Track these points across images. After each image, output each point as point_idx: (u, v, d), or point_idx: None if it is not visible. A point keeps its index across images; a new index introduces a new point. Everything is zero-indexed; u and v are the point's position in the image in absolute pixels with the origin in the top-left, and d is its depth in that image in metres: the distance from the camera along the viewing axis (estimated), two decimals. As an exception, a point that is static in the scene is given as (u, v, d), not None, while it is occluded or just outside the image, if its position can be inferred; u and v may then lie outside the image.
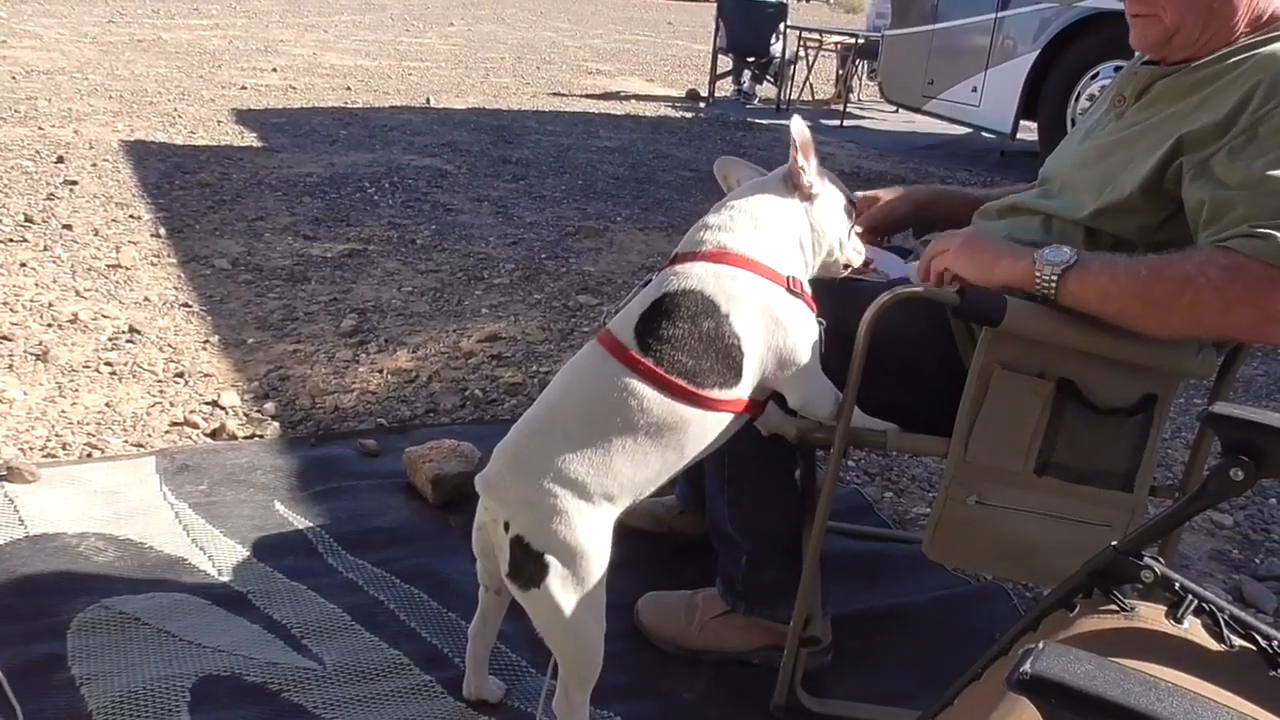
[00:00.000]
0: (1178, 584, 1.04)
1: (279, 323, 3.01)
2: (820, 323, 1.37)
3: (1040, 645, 0.62)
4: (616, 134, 6.82)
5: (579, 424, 1.28)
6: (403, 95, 7.68)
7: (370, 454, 2.25)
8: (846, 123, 8.28)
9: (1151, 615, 1.03)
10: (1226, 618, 1.02)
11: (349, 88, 7.80)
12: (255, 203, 4.31)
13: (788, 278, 1.34)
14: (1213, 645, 0.99)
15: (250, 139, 5.62)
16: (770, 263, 1.33)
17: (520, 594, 1.29)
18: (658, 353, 1.26)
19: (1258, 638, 1.00)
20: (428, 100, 7.49)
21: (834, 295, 1.50)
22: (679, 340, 1.26)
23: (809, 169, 1.41)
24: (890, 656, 1.72)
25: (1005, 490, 1.39)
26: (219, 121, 6.01)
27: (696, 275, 1.31)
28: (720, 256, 1.32)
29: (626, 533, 1.95)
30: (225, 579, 1.78)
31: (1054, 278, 1.26)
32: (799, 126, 1.39)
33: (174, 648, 1.59)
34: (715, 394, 1.28)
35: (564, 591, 1.27)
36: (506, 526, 1.27)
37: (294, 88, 7.60)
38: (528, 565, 1.26)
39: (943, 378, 1.45)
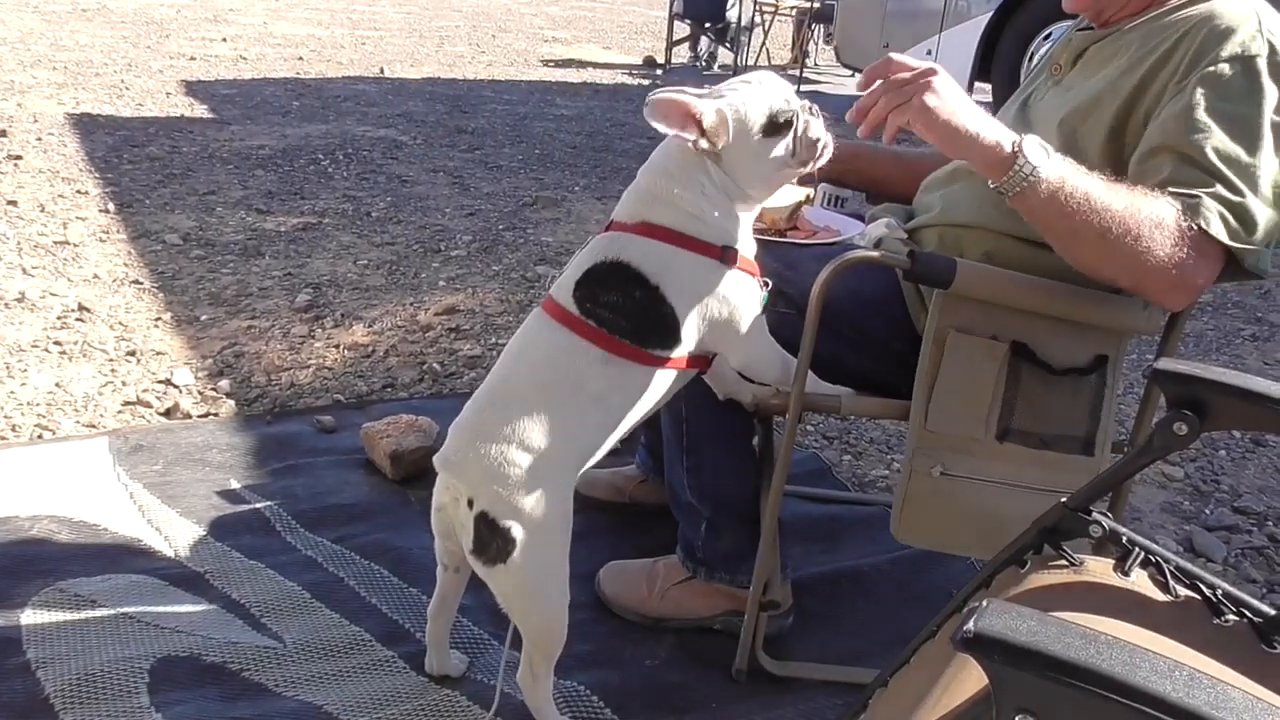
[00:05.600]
0: (1125, 537, 1.06)
1: (233, 298, 2.96)
2: (765, 284, 1.36)
3: (984, 603, 0.62)
4: (573, 102, 6.75)
5: (533, 392, 1.28)
6: (356, 65, 7.54)
7: (327, 430, 2.23)
8: (803, 88, 8.26)
9: (1100, 569, 1.05)
10: (1172, 569, 1.04)
11: (301, 58, 7.64)
12: (206, 176, 4.22)
13: (721, 248, 1.31)
14: (1159, 596, 1.01)
15: (200, 111, 5.49)
16: (698, 233, 1.30)
17: (485, 570, 1.29)
18: (598, 316, 1.27)
19: (1202, 587, 1.02)
20: (382, 70, 7.36)
21: (785, 260, 1.50)
22: (615, 306, 1.27)
23: (694, 129, 1.27)
24: (851, 617, 1.74)
25: (969, 460, 1.39)
26: (168, 93, 5.86)
27: (625, 249, 1.30)
28: (647, 231, 1.31)
29: (588, 503, 1.96)
30: (182, 559, 1.76)
31: (1025, 183, 1.16)
32: (649, 106, 1.24)
33: (131, 629, 1.57)
34: (659, 353, 1.29)
35: (530, 565, 1.27)
36: (470, 504, 1.26)
37: (245, 58, 7.43)
38: (493, 541, 1.26)
39: (896, 341, 1.46)
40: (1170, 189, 1.21)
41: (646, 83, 8.03)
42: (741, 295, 1.33)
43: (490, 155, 5.02)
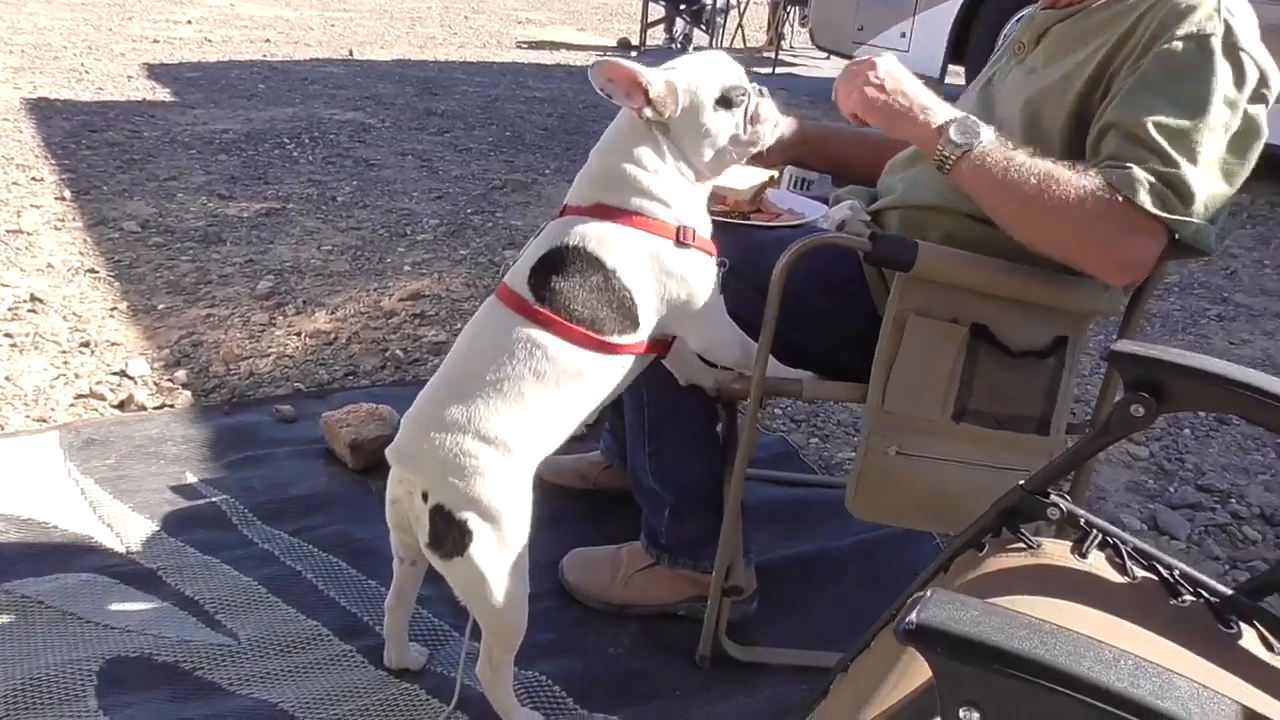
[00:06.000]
0: (1083, 519, 1.05)
1: (191, 286, 2.90)
2: (722, 263, 1.34)
3: (929, 593, 0.61)
4: (546, 84, 6.68)
5: (488, 381, 1.25)
6: (325, 47, 7.43)
7: (287, 420, 2.18)
8: (778, 70, 8.22)
9: (1057, 551, 1.03)
10: (1129, 550, 1.03)
11: (268, 39, 7.52)
12: (168, 161, 4.14)
13: (677, 228, 1.29)
14: (1116, 578, 1.00)
15: (163, 94, 5.39)
16: (653, 212, 1.28)
17: (442, 564, 1.26)
18: (553, 303, 1.25)
19: (1159, 568, 1.01)
20: (351, 52, 7.26)
21: (749, 243, 1.47)
22: (571, 292, 1.25)
23: (640, 98, 1.26)
24: (816, 601, 1.73)
25: (925, 439, 1.38)
26: (129, 77, 5.75)
27: (579, 233, 1.28)
28: (601, 213, 1.28)
29: (552, 490, 1.94)
30: (134, 556, 1.71)
31: (953, 156, 1.25)
32: (594, 68, 1.24)
33: (79, 630, 1.53)
34: (616, 339, 1.27)
35: (488, 556, 1.24)
36: (425, 497, 1.24)
37: (210, 40, 7.30)
38: (450, 534, 1.23)
39: (858, 323, 1.44)
40: (1107, 162, 1.21)
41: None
42: (699, 275, 1.31)
43: (460, 138, 4.95)
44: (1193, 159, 1.19)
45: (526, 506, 1.28)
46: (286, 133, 4.74)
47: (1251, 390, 0.90)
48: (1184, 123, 1.19)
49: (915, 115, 1.28)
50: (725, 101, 1.30)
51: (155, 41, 7.02)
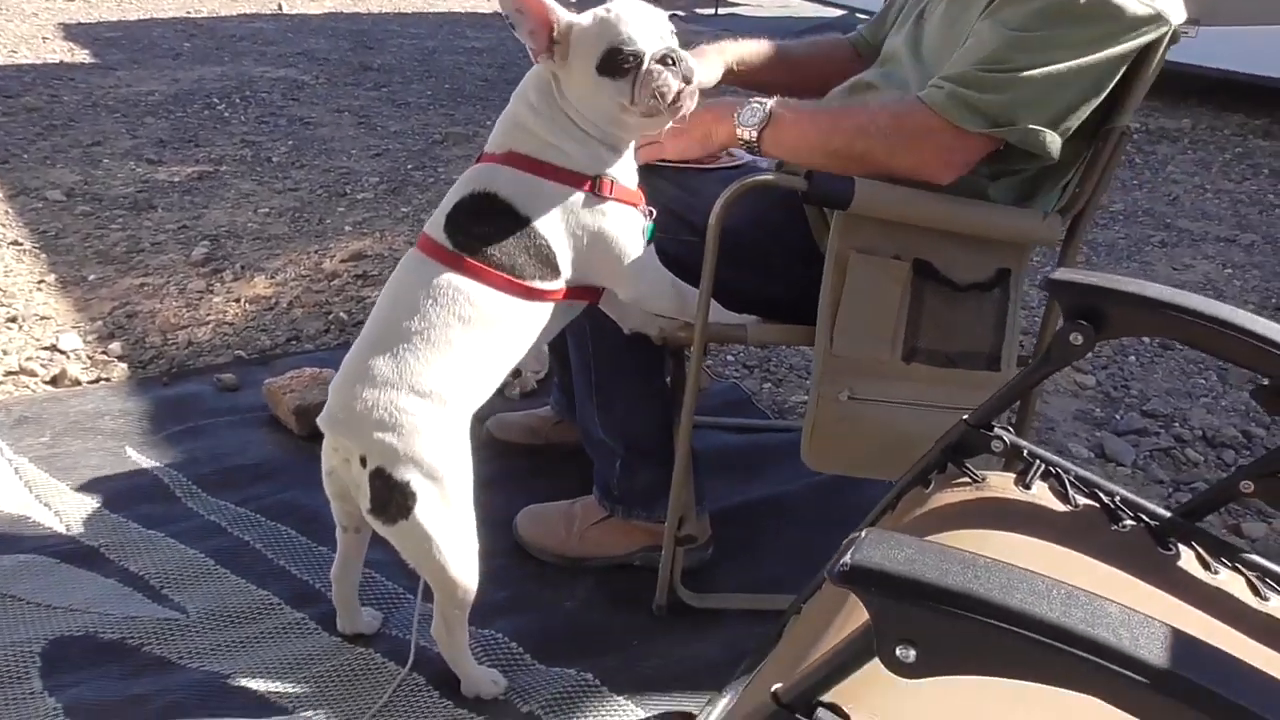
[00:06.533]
0: (1025, 450, 1.06)
1: (123, 255, 2.80)
2: (649, 213, 1.31)
3: (862, 534, 0.60)
4: (484, 34, 6.52)
5: (412, 334, 1.21)
6: (252, 1, 7.17)
7: (229, 389, 2.13)
8: (721, 10, 8.10)
9: (1001, 484, 1.04)
10: (1071, 479, 1.04)
11: (191, -4, 7.24)
12: (91, 126, 3.98)
13: (592, 179, 1.24)
14: (1059, 507, 1.01)
15: (82, 56, 5.18)
16: (563, 162, 1.24)
17: (387, 529, 1.23)
18: (470, 248, 1.22)
19: (1100, 495, 1.02)
20: (280, 6, 7.02)
21: (687, 188, 1.45)
22: (487, 237, 1.22)
23: (547, 36, 1.19)
24: (771, 545, 1.74)
25: (876, 382, 1.37)
26: (44, 38, 5.52)
27: (492, 179, 1.24)
28: (513, 161, 1.24)
29: (503, 448, 1.92)
30: (74, 534, 1.67)
31: (754, 136, 1.33)
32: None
33: (20, 611, 1.49)
34: (537, 284, 1.24)
35: (434, 516, 1.22)
36: (363, 462, 1.21)
37: (129, -2, 7.02)
38: (393, 497, 1.20)
39: (801, 265, 1.42)
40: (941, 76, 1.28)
41: (559, 11, 7.81)
42: (618, 226, 1.27)
43: (398, 92, 4.83)
44: (1005, 69, 1.23)
45: (467, 460, 1.26)
46: (216, 92, 4.58)
47: (1186, 313, 0.90)
48: (1003, 42, 1.24)
49: (716, 121, 1.36)
50: (610, 65, 1.19)
51: (70, 0, 6.73)
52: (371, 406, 1.19)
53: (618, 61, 1.18)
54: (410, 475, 1.20)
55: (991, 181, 1.35)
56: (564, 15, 1.20)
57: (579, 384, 1.58)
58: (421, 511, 1.21)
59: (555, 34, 1.19)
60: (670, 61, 1.20)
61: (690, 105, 1.24)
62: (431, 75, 5.21)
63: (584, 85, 1.21)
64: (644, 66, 1.19)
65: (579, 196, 1.24)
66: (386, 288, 1.30)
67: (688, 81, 1.22)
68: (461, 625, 1.34)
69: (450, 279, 1.21)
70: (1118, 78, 1.27)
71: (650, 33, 1.21)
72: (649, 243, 1.32)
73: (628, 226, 1.28)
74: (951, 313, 1.36)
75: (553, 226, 1.23)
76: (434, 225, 1.26)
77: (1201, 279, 3.03)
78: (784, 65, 1.64)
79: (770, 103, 1.34)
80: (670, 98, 1.20)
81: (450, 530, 1.25)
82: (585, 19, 1.21)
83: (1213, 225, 3.51)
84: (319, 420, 1.25)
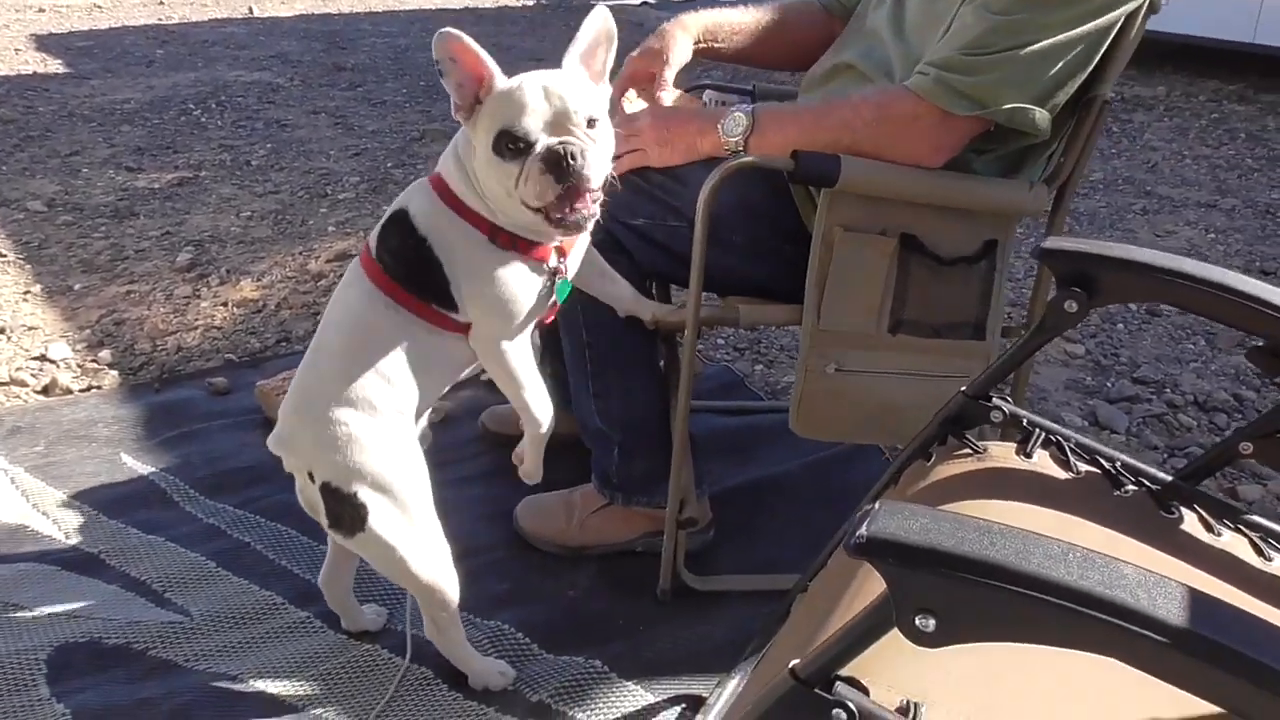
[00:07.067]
0: (1025, 420, 1.06)
1: (107, 264, 2.78)
2: (558, 271, 1.22)
3: (876, 506, 0.60)
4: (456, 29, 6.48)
5: (345, 346, 1.21)
6: (222, 5, 7.11)
7: (221, 392, 2.12)
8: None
9: (1003, 454, 1.05)
10: (1072, 446, 1.05)
11: (161, 2, 7.16)
12: (68, 136, 3.94)
13: (491, 225, 1.17)
14: (1061, 474, 1.02)
15: (55, 66, 5.12)
16: (473, 205, 1.18)
17: (348, 541, 1.23)
18: (387, 265, 1.20)
19: (1102, 461, 1.03)
20: (250, 9, 6.95)
21: (673, 174, 1.44)
22: (401, 258, 1.20)
23: (473, 93, 1.11)
24: (771, 525, 1.74)
25: (862, 354, 1.38)
26: (16, 50, 5.45)
27: (415, 201, 1.21)
28: (436, 182, 1.21)
29: (499, 440, 1.92)
30: (73, 542, 1.66)
31: (740, 146, 1.33)
32: (437, 40, 1.09)
33: (24, 620, 1.48)
34: (444, 312, 1.20)
35: (390, 526, 1.21)
36: (311, 478, 1.20)
37: (99, 6, 6.94)
38: (344, 511, 1.19)
39: (789, 245, 1.43)
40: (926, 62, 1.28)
41: (530, 3, 7.76)
42: (505, 282, 1.19)
43: (373, 91, 4.80)
44: (985, 50, 1.24)
45: (417, 465, 1.24)
46: (191, 98, 4.54)
47: (1179, 276, 0.91)
48: (987, 25, 1.24)
49: (700, 133, 1.37)
50: (498, 147, 1.09)
51: (41, 11, 6.65)
52: (311, 424, 1.19)
53: (505, 145, 1.09)
54: (357, 488, 1.18)
55: (978, 156, 1.36)
56: (495, 75, 1.11)
57: (574, 373, 1.58)
58: (376, 522, 1.19)
59: (480, 93, 1.11)
60: (567, 159, 1.07)
61: (587, 213, 1.12)
62: (405, 73, 5.18)
63: (483, 156, 1.13)
64: (536, 160, 1.08)
65: (476, 237, 1.18)
66: (331, 300, 1.28)
67: (576, 186, 1.09)
68: (453, 624, 1.33)
69: (371, 291, 1.20)
70: (1102, 51, 1.27)
71: (550, 118, 1.09)
72: (560, 303, 1.27)
73: (514, 284, 1.20)
74: (937, 286, 1.37)
75: (447, 255, 1.19)
76: (373, 234, 1.25)
77: (1185, 244, 3.05)
78: (754, 34, 1.63)
79: (752, 109, 1.34)
80: (543, 204, 1.10)
81: (409, 537, 1.23)
82: (504, 85, 1.11)
83: (1193, 191, 3.53)
84: (269, 441, 1.24)
